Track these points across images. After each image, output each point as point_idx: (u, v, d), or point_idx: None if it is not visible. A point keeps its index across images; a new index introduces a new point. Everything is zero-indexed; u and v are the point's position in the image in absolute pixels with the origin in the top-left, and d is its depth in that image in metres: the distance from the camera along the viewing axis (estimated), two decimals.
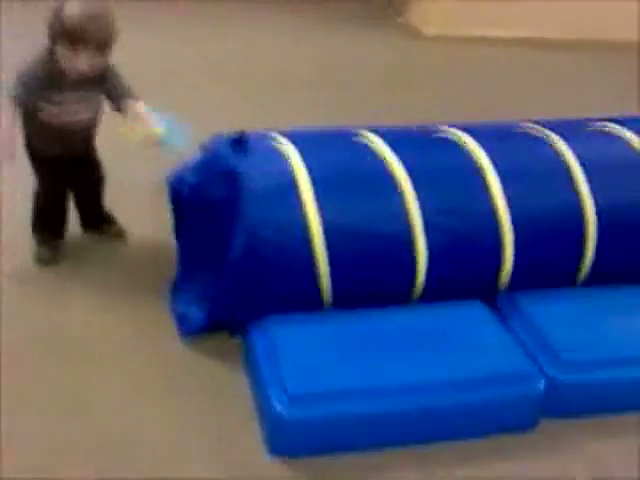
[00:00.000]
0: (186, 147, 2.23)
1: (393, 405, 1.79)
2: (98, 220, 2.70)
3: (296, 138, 2.20)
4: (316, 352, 1.89)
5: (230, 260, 2.00)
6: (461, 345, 1.95)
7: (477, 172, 2.15)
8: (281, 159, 2.09)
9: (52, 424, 1.86)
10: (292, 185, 2.01)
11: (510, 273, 2.15)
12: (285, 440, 1.78)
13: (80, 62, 2.19)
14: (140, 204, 2.77)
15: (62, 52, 2.18)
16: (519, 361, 1.92)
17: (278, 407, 1.74)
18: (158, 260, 2.51)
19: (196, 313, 2.15)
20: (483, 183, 2.13)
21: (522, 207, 2.14)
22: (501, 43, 5.22)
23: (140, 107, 2.31)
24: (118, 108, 2.35)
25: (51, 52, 2.22)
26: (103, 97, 2.39)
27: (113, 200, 2.70)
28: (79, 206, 2.67)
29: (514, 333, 2.04)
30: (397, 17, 5.79)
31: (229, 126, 2.19)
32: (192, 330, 2.16)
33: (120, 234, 2.70)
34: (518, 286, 2.18)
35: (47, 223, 2.57)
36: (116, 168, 2.68)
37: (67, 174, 2.51)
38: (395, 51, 5.13)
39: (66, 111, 2.32)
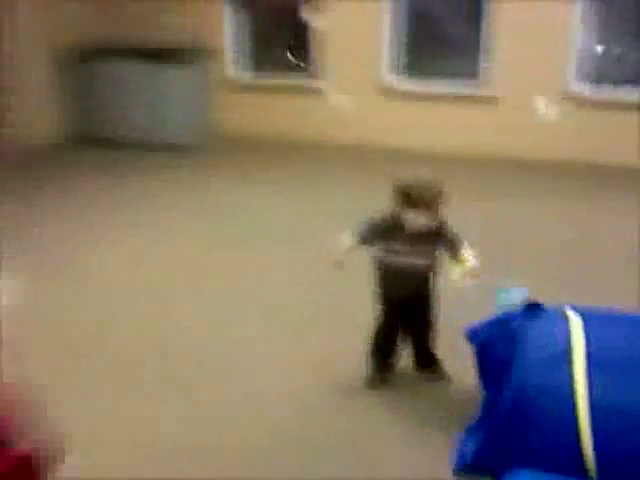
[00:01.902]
0: (514, 307, 2.60)
1: None
2: (425, 359, 3.10)
3: (586, 314, 2.40)
4: None
5: (498, 412, 2.29)
6: None
7: None
8: (563, 331, 2.31)
9: None
10: (566, 357, 2.22)
11: None
12: None
13: (414, 220, 2.74)
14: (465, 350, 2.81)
15: (401, 212, 2.75)
16: None
17: None
18: (468, 403, 2.76)
19: (469, 452, 2.43)
20: None
21: None
22: None
23: (470, 255, 2.77)
24: (454, 257, 2.81)
25: (395, 211, 2.79)
26: (439, 249, 2.85)
27: (442, 343, 3.05)
28: (413, 345, 3.09)
29: None
30: None
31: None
32: (461, 465, 2.44)
33: (441, 376, 3.07)
34: None
35: (380, 353, 3.05)
36: (448, 313, 3.04)
37: (402, 314, 2.99)
38: None
39: (403, 259, 2.84)
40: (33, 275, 3.91)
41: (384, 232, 2.84)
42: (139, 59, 6.96)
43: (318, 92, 7.16)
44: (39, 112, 7.08)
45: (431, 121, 6.81)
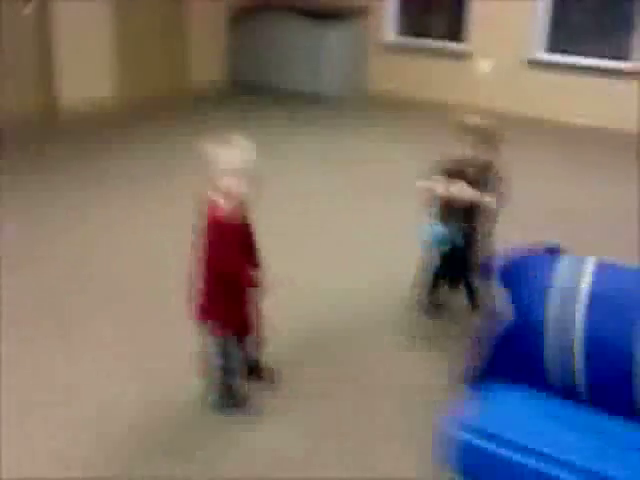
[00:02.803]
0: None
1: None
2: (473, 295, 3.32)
3: (601, 262, 2.57)
4: (519, 412, 2.31)
5: (501, 333, 2.51)
6: None
7: None
8: (574, 273, 2.51)
9: None
10: (570, 293, 2.43)
11: None
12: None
13: (466, 149, 3.04)
14: None
15: (458, 144, 3.04)
16: None
17: (448, 427, 2.27)
18: None
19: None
20: None
21: None
22: None
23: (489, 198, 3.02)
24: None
25: (459, 153, 3.07)
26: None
27: None
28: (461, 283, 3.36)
29: None
30: None
31: None
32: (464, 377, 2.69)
33: None
34: None
35: (430, 285, 3.38)
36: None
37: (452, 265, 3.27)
38: None
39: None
40: None
41: (448, 172, 3.10)
42: (300, 17, 7.61)
43: (463, 56, 7.37)
44: (210, 61, 7.99)
45: (571, 94, 6.80)
